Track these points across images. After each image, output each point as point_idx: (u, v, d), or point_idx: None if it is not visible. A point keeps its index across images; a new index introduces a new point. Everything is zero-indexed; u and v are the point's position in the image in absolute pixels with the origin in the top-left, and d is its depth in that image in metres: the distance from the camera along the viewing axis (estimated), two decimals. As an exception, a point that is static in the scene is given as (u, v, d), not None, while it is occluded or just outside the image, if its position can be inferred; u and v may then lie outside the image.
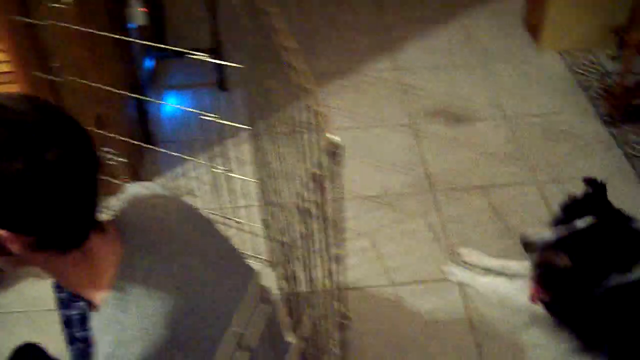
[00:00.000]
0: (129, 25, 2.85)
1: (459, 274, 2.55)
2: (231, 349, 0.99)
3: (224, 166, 2.72)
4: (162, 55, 3.50)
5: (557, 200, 2.67)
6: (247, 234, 2.63)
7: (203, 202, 2.71)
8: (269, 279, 2.45)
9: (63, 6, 2.00)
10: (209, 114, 2.03)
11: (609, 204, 2.14)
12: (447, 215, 2.81)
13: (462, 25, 4.03)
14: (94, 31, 2.04)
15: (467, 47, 3.84)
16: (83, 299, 1.25)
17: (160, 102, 3.31)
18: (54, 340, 1.62)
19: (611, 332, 2.17)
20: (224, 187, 2.80)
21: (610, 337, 2.19)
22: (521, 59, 3.77)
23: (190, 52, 1.97)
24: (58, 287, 1.60)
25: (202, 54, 1.92)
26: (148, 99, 2.91)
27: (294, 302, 2.09)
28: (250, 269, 1.45)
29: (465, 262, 2.59)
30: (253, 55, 2.07)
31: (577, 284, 2.12)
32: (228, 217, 2.65)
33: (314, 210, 1.18)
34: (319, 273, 1.51)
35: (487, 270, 2.57)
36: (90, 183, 1.11)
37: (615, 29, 3.64)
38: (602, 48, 3.83)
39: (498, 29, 4.01)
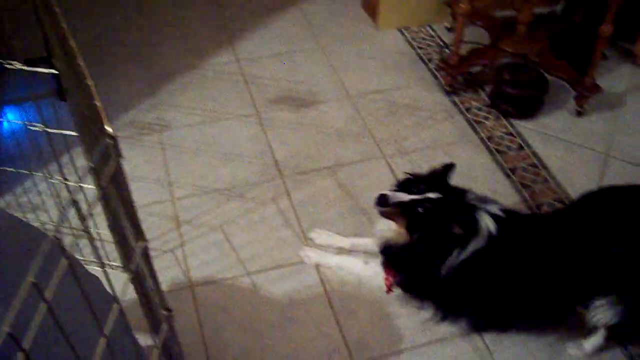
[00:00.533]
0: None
1: (313, 256, 2.64)
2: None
3: (72, 176, 2.70)
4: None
5: (405, 171, 2.83)
6: (99, 241, 2.63)
7: (50, 216, 2.69)
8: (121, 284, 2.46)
9: None
10: (36, 125, 2.03)
11: (448, 183, 2.36)
12: (298, 199, 2.91)
13: (301, 10, 4.15)
14: None
15: (307, 31, 3.97)
16: None
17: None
18: None
19: (463, 302, 2.39)
20: (67, 198, 2.79)
21: (463, 306, 2.40)
22: (361, 39, 3.93)
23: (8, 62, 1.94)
24: None
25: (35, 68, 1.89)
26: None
27: (146, 303, 2.12)
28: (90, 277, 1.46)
29: (318, 245, 2.68)
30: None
31: (422, 261, 2.31)
32: (73, 227, 2.65)
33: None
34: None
35: (340, 249, 2.66)
36: None
37: (447, 1, 3.85)
38: (439, 21, 4.03)
39: (336, 11, 4.16)
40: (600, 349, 2.39)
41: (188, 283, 2.57)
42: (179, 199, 2.88)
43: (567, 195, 2.91)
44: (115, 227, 1.44)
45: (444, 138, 3.23)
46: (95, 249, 1.06)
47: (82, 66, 1.09)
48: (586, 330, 2.35)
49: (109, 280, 1.14)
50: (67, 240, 2.49)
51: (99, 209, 2.67)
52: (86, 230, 0.95)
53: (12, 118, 3.29)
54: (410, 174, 2.44)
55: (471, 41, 3.75)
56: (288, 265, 2.64)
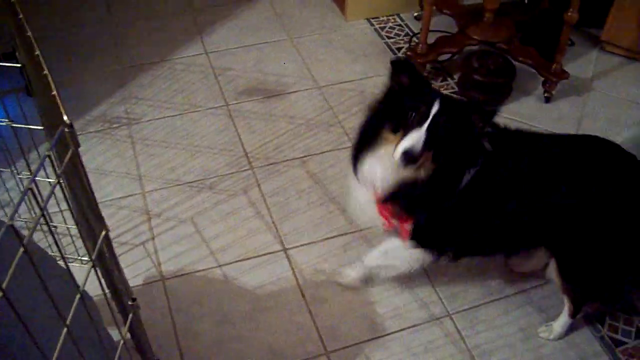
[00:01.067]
0: None
1: (353, 273, 2.60)
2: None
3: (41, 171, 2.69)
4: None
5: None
6: (69, 236, 2.62)
7: (19, 214, 2.68)
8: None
9: None
10: (2, 120, 2.02)
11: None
12: (268, 189, 2.92)
13: (270, 2, 4.16)
14: None
15: (275, 23, 3.98)
16: None
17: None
18: None
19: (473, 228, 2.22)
20: (38, 194, 2.78)
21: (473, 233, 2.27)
22: (330, 30, 3.94)
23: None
24: None
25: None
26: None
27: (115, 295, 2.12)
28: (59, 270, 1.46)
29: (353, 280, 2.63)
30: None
31: (444, 189, 2.04)
32: (42, 223, 2.62)
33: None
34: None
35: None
36: None
37: (415, -10, 3.87)
38: (407, 10, 4.05)
39: (305, 2, 4.17)
40: (570, 329, 2.41)
41: (160, 276, 2.57)
42: (149, 192, 2.87)
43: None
44: (76, 216, 1.44)
45: (413, 126, 3.23)
46: (56, 240, 1.06)
47: (39, 57, 1.08)
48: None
49: (69, 271, 1.13)
50: (38, 236, 2.48)
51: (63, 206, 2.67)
52: (45, 221, 0.95)
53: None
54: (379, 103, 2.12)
55: (439, 30, 3.77)
56: (259, 255, 2.65)
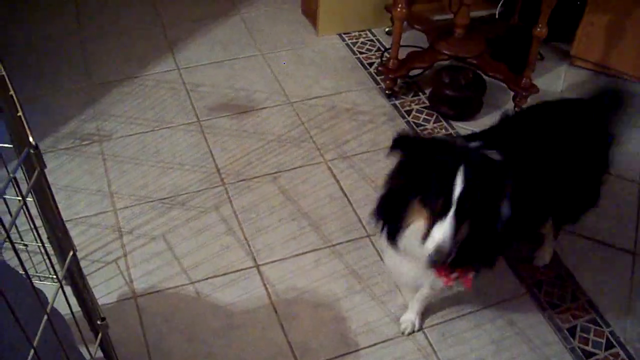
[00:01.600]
0: None
1: (412, 316, 2.55)
2: None
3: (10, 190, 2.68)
4: None
5: (344, 175, 2.88)
6: (44, 255, 2.61)
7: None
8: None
9: None
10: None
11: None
12: (240, 205, 2.93)
13: (241, 18, 4.18)
14: None
15: (247, 38, 4.00)
16: None
17: None
18: None
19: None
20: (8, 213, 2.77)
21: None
22: (302, 45, 3.97)
23: None
24: None
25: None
26: None
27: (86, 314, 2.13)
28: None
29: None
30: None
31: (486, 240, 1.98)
32: (17, 242, 2.62)
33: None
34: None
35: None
36: None
37: (387, 6, 3.91)
38: (379, 26, 4.10)
39: (277, 18, 4.19)
40: (542, 343, 2.43)
41: (131, 293, 2.57)
42: (120, 209, 2.88)
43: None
44: (47, 235, 1.45)
45: (385, 141, 3.27)
46: (20, 261, 1.07)
47: (5, 77, 1.09)
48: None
49: (34, 290, 1.14)
50: (9, 254, 2.47)
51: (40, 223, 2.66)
52: (10, 242, 0.96)
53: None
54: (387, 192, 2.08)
55: (410, 45, 3.81)
56: (231, 272, 2.66)
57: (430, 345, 2.47)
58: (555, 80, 3.81)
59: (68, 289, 1.71)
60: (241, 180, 3.03)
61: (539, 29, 3.25)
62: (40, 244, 2.23)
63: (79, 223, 2.81)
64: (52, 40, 3.91)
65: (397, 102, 3.55)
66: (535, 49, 3.34)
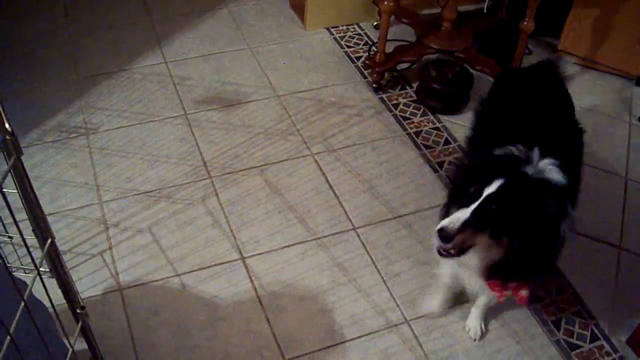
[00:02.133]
0: None
1: (476, 321, 2.56)
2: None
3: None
4: None
5: (330, 168, 2.87)
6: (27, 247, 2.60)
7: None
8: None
9: None
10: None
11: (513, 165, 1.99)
12: (226, 198, 2.93)
13: (230, 11, 4.17)
14: None
15: (235, 32, 3.99)
16: None
17: None
18: None
19: None
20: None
21: None
22: (289, 39, 3.96)
23: None
24: None
25: None
26: None
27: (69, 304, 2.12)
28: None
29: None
30: None
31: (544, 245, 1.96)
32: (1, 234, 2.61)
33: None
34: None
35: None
36: None
37: (374, 0, 3.90)
38: (367, 20, 4.09)
39: (265, 12, 4.18)
40: (526, 335, 2.44)
41: (117, 286, 2.57)
42: (106, 201, 2.87)
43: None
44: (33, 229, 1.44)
45: (372, 134, 3.28)
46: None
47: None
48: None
49: (12, 279, 1.13)
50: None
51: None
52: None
53: None
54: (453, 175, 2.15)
55: (398, 39, 3.81)
56: (217, 264, 2.66)
57: (416, 337, 2.48)
58: (543, 75, 3.79)
59: (53, 282, 1.71)
60: (227, 173, 3.03)
61: (525, 23, 3.26)
62: (18, 234, 2.22)
63: (65, 216, 2.80)
64: (40, 34, 3.89)
65: (384, 95, 3.54)
66: (522, 43, 3.34)
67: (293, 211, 2.87)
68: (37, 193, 1.34)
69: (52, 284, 1.68)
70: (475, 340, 2.51)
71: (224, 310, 2.51)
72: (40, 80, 3.55)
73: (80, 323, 1.40)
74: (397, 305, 2.58)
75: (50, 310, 1.68)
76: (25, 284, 1.49)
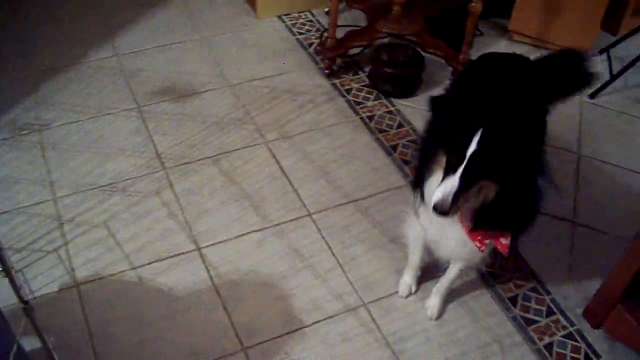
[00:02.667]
0: None
1: (434, 302, 2.56)
2: None
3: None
4: None
5: (285, 155, 2.86)
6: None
7: None
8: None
9: None
10: None
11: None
12: (181, 189, 2.91)
13: (183, 2, 4.12)
14: None
15: (187, 23, 3.95)
16: None
17: None
18: None
19: None
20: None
21: None
22: (242, 28, 3.93)
23: None
24: None
25: None
26: None
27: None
28: None
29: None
30: None
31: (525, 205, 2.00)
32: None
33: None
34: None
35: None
36: None
37: (325, -14, 3.89)
38: (318, 6, 4.08)
39: (218, 2, 4.15)
40: (483, 313, 2.45)
41: (73, 282, 2.54)
42: (61, 197, 2.84)
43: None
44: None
45: (325, 120, 3.27)
46: None
47: None
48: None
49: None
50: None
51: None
52: None
53: None
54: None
55: (350, 24, 3.80)
56: (174, 255, 2.65)
57: (373, 320, 2.48)
58: (494, 55, 3.81)
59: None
60: (182, 164, 3.01)
61: (474, 5, 3.26)
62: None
63: (20, 213, 2.77)
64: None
65: (336, 81, 3.54)
66: (472, 25, 3.35)
67: (249, 199, 2.86)
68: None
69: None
70: (432, 319, 2.47)
71: (182, 301, 2.49)
72: (-9, 76, 3.49)
73: (23, 319, 1.38)
74: (355, 290, 2.58)
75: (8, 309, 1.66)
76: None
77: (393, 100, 3.45)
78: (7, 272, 1.35)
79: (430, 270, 2.58)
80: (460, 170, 1.81)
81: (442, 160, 1.93)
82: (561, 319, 2.55)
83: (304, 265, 2.64)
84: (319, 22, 4.01)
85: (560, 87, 2.49)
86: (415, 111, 3.37)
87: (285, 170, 3.01)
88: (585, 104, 3.53)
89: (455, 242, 2.13)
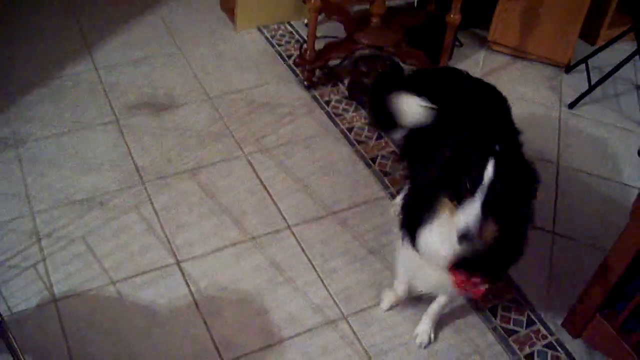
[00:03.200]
0: None
1: (424, 327, 2.54)
2: None
3: None
4: None
5: (264, 168, 2.87)
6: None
7: None
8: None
9: None
10: None
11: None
12: (160, 204, 2.91)
13: (160, 17, 4.13)
14: None
15: (165, 36, 3.96)
16: None
17: None
18: None
19: None
20: None
21: None
22: (220, 41, 3.95)
23: None
24: None
25: None
26: None
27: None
28: None
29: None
30: None
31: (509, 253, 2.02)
32: None
33: None
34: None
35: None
36: None
37: (304, -2, 3.91)
38: (297, 18, 4.10)
39: (195, 15, 4.16)
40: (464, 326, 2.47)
41: (51, 298, 2.53)
42: (38, 212, 2.83)
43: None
44: None
45: (305, 132, 3.29)
46: None
47: None
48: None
49: None
50: None
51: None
52: None
53: None
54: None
55: (329, 36, 3.82)
56: (153, 270, 2.65)
57: (354, 332, 2.50)
58: (474, 66, 3.87)
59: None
60: (161, 178, 3.01)
61: (452, 16, 3.29)
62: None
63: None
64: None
65: (316, 93, 3.56)
66: (450, 36, 3.38)
67: (227, 213, 2.87)
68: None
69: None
70: (421, 347, 2.50)
71: (161, 316, 2.50)
72: (-34, 92, 3.48)
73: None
74: (335, 303, 2.59)
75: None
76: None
77: (372, 111, 3.46)
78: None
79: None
80: (481, 196, 1.80)
81: (444, 204, 1.92)
82: (541, 328, 2.57)
83: (283, 279, 2.65)
84: (298, 34, 4.03)
85: None
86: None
87: (264, 183, 3.02)
88: (563, 114, 3.56)
89: (435, 280, 2.14)
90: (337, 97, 3.54)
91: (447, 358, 2.45)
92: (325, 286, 2.63)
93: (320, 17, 3.50)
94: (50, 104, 3.40)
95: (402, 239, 2.10)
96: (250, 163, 3.11)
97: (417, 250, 2.02)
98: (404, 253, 2.16)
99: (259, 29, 4.05)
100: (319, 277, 2.65)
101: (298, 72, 3.67)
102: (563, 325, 2.53)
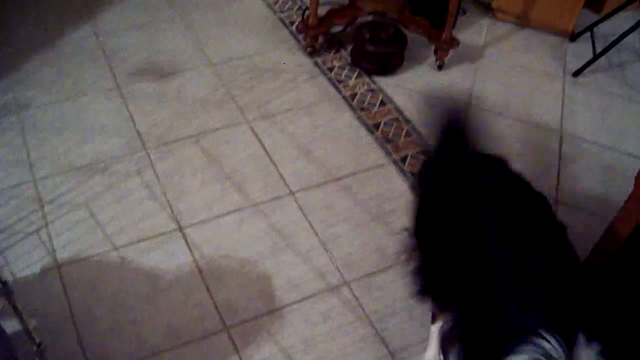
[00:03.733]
0: None
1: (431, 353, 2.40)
2: None
3: None
4: None
5: (267, 135, 2.88)
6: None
7: None
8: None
9: None
10: None
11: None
12: (162, 170, 2.92)
13: (162, -20, 4.11)
14: None
15: (168, 1, 3.94)
16: None
17: None
18: None
19: None
20: None
21: None
22: (222, 6, 3.94)
23: None
24: None
25: None
26: None
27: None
28: None
29: None
30: None
31: None
32: None
33: None
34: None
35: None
36: None
37: (306, -37, 3.89)
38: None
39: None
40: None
41: (55, 263, 2.55)
42: (41, 179, 2.84)
43: (430, 146, 3.01)
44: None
45: (307, 99, 3.29)
46: None
47: None
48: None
49: None
50: None
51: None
52: None
53: None
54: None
55: (333, 2, 3.81)
56: (155, 236, 2.66)
57: (356, 298, 2.51)
58: (478, 34, 3.87)
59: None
60: (163, 144, 3.02)
61: (456, -18, 3.27)
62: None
63: (-1, 195, 2.77)
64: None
65: (318, 59, 3.56)
66: (454, 3, 3.37)
67: (230, 179, 2.89)
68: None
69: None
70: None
71: (163, 281, 2.52)
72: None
73: (2, 300, 1.40)
74: (337, 268, 2.61)
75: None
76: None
77: (375, 78, 3.48)
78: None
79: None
80: None
81: None
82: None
83: (286, 245, 2.67)
84: (301, 0, 4.00)
85: None
86: (398, 89, 3.39)
87: (267, 150, 3.03)
88: (568, 82, 3.56)
89: None
90: (340, 63, 3.54)
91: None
92: (327, 252, 2.64)
93: (323, -17, 3.47)
94: (51, 70, 3.41)
95: None
96: (252, 129, 3.11)
97: None
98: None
99: (261, -5, 4.01)
100: (321, 243, 2.67)
101: (300, 38, 3.65)
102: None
